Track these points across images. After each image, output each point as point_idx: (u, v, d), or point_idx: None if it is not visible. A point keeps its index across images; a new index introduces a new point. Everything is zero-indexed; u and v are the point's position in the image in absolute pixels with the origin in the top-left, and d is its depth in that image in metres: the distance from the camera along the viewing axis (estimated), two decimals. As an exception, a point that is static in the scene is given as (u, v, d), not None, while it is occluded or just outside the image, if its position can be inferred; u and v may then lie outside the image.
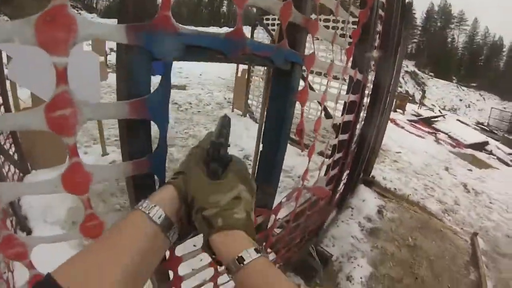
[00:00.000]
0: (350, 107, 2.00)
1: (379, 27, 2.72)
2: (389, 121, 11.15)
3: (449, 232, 3.81)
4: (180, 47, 0.64)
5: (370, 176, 4.67)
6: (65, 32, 0.42)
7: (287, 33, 0.98)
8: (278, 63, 1.00)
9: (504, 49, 52.90)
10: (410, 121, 12.36)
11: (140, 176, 0.72)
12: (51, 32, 0.41)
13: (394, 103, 13.57)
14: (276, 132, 1.23)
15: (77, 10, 37.45)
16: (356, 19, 1.73)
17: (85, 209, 0.64)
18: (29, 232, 2.54)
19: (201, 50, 0.70)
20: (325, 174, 2.29)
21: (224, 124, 0.82)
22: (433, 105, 20.01)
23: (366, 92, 2.88)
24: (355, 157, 3.14)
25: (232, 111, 7.51)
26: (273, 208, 1.48)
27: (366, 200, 4.02)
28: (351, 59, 1.72)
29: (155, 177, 0.76)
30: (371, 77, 2.95)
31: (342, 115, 1.98)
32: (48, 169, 3.42)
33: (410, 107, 15.10)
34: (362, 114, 3.10)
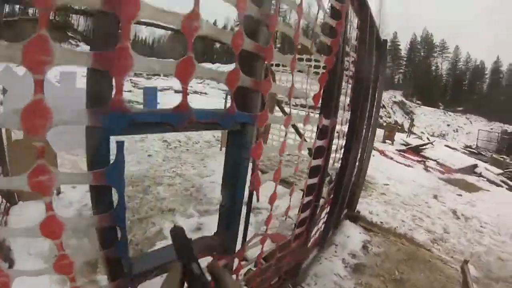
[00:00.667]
0: (318, 152, 2.11)
1: (352, 69, 3.00)
2: (378, 153, 11.47)
3: (439, 262, 3.89)
4: (132, 124, 0.81)
5: (355, 211, 4.79)
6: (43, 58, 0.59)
7: (235, 96, 1.13)
8: (227, 126, 1.15)
9: (486, 72, 56.08)
10: (399, 150, 12.68)
11: (105, 226, 0.89)
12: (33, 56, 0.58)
13: (383, 134, 13.98)
14: (233, 186, 1.36)
15: (76, 42, 38.42)
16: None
17: (58, 251, 0.79)
18: (11, 262, 2.64)
19: (152, 124, 0.88)
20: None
21: (178, 241, 0.69)
22: (422, 132, 20.64)
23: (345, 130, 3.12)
24: (335, 195, 3.29)
25: (220, 149, 7.81)
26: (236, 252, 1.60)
27: (351, 236, 4.11)
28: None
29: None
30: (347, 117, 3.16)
31: (311, 159, 2.12)
32: (35, 201, 3.50)
33: (399, 136, 15.56)
34: (338, 155, 3.30)
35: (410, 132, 17.20)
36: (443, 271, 3.72)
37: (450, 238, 4.75)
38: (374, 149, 11.89)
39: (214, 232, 1.48)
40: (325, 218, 3.43)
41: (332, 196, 3.32)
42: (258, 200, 1.44)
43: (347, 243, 3.97)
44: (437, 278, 3.56)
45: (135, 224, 3.87)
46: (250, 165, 1.37)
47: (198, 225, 4.01)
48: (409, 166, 10.38)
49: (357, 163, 4.29)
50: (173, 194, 4.94)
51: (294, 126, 4.42)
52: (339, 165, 3.21)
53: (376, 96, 4.15)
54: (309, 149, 2.11)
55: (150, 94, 11.87)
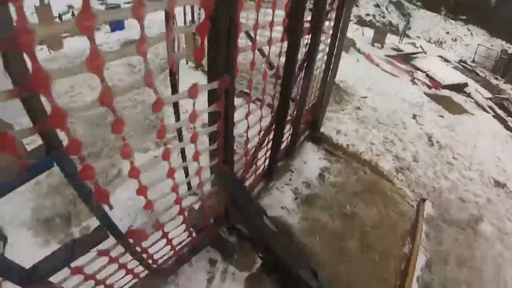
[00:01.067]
0: (213, 117, 1.84)
1: None
2: (363, 57, 10.90)
3: (396, 196, 3.81)
4: None
5: (320, 132, 4.50)
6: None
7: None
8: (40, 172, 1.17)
9: (498, -16, 53.45)
10: (388, 56, 12.10)
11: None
12: None
13: (372, 36, 13.17)
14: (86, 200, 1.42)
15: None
16: None
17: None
18: (5, 239, 2.93)
19: None
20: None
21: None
22: (418, 36, 19.75)
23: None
24: (278, 123, 2.94)
25: (187, 63, 7.23)
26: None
27: (308, 162, 3.91)
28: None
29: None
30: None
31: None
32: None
33: (391, 40, 14.70)
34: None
35: (404, 35, 16.29)
36: (398, 206, 3.67)
37: (417, 168, 4.65)
38: (360, 53, 11.30)
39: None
40: (270, 151, 3.14)
41: (273, 122, 2.95)
42: (111, 208, 1.24)
43: (304, 170, 3.79)
44: (389, 215, 3.51)
45: (97, 170, 3.70)
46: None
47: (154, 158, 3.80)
48: (395, 76, 9.98)
49: (317, 82, 3.86)
50: (132, 126, 4.78)
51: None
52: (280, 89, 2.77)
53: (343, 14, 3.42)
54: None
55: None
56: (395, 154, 4.87)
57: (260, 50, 6.00)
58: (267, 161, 3.23)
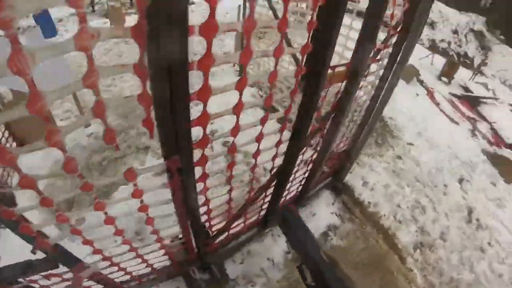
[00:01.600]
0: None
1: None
2: (425, 92, 10.39)
3: (401, 279, 3.62)
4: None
5: (342, 183, 4.35)
6: None
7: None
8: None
9: None
10: (452, 95, 11.48)
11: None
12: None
13: (442, 68, 12.45)
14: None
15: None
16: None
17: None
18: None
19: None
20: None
21: None
22: (493, 75, 18.69)
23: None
24: (281, 176, 2.82)
25: (234, 66, 7.12)
26: None
27: (317, 215, 3.82)
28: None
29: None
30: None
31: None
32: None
33: (462, 75, 13.86)
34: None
35: (477, 71, 15.35)
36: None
37: (441, 249, 4.35)
38: (422, 86, 10.80)
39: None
40: (268, 202, 3.05)
41: (272, 179, 2.83)
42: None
43: (308, 223, 3.64)
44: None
45: (111, 163, 4.48)
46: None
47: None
48: (454, 122, 9.46)
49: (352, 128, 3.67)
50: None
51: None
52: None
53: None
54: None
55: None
56: (421, 226, 4.59)
57: (294, 56, 5.69)
58: (263, 211, 3.15)
